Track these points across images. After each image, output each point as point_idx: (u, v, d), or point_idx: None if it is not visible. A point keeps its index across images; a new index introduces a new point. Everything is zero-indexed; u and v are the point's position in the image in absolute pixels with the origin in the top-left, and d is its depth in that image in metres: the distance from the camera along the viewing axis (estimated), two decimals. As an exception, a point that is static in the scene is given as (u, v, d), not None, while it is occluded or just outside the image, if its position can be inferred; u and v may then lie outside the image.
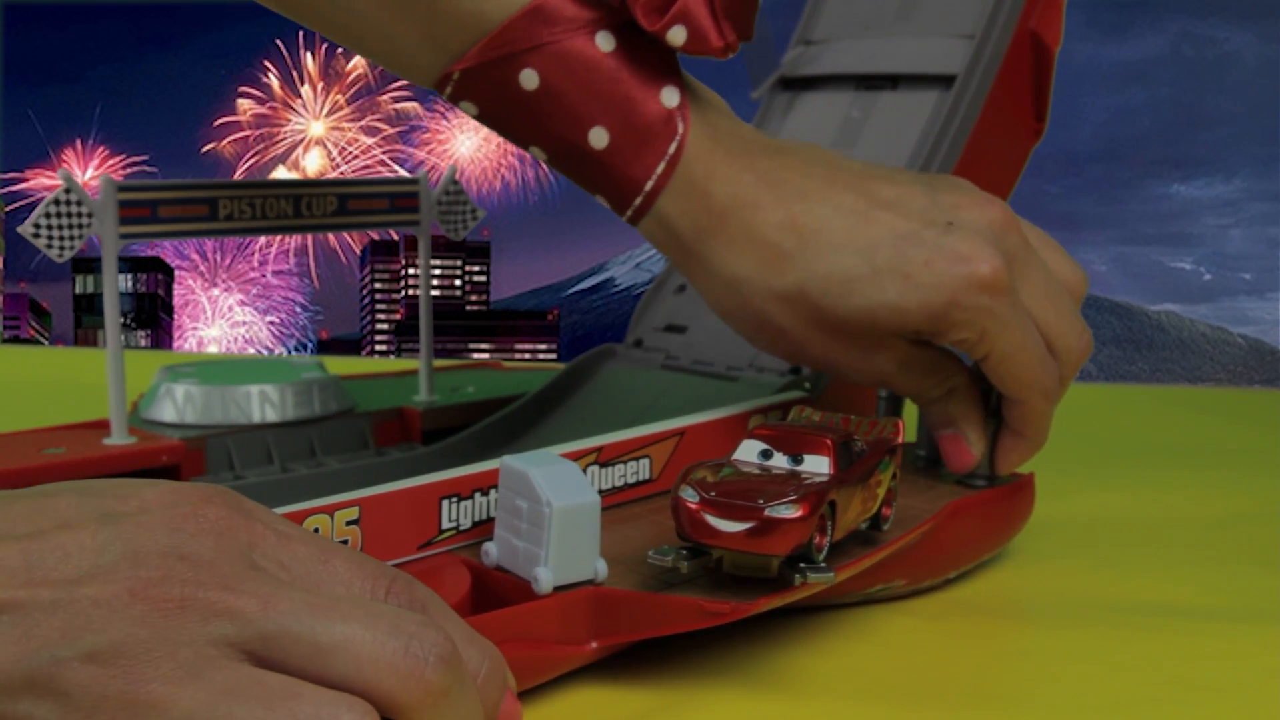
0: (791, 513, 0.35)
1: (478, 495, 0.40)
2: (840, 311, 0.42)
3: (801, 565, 0.36)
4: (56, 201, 0.48)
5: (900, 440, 0.42)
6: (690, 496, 0.36)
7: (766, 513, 0.35)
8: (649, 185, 0.43)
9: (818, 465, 0.38)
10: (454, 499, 0.39)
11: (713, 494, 0.36)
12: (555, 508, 0.35)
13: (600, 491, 0.43)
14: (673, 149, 0.43)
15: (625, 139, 0.43)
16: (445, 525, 0.39)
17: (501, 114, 0.44)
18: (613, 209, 0.45)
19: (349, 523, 0.37)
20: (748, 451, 0.39)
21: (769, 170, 0.43)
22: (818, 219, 0.42)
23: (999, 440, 0.46)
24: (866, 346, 0.44)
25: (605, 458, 0.43)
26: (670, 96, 0.43)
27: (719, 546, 0.36)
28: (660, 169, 0.43)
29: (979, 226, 0.42)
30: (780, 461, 0.38)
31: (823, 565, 0.36)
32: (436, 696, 0.27)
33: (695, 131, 0.43)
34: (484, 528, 0.40)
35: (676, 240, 0.44)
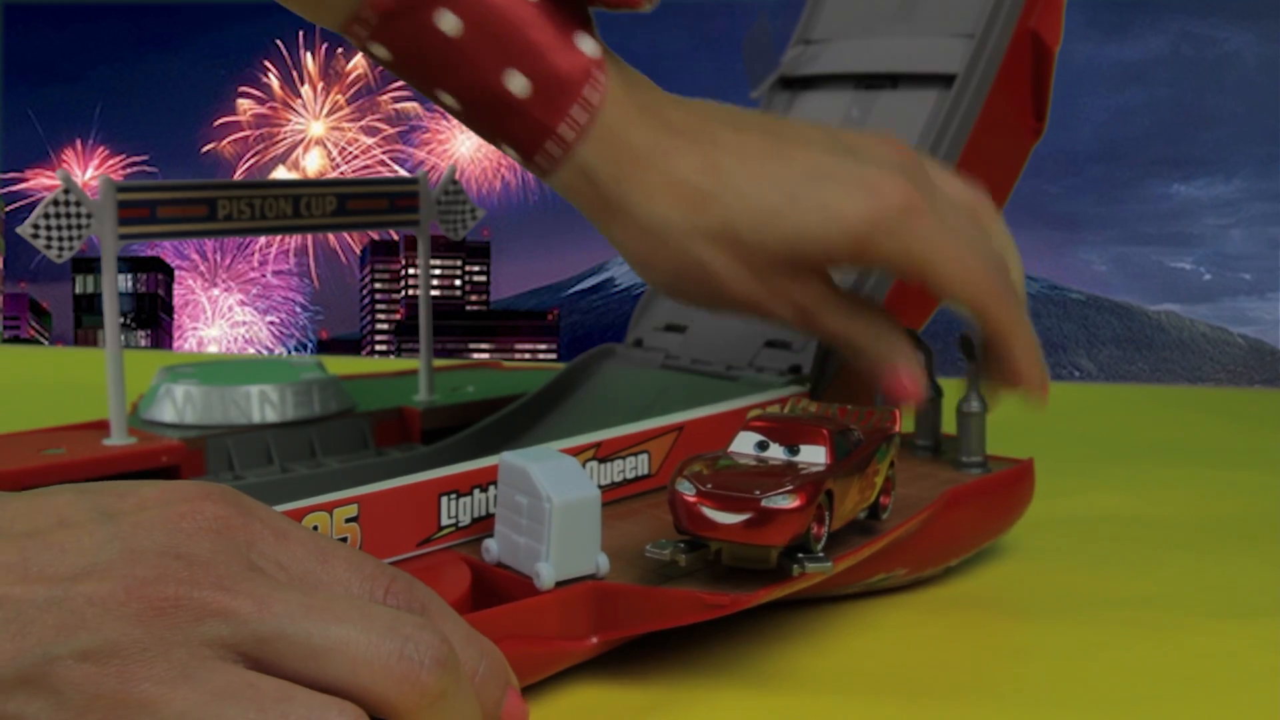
0: (788, 503, 0.35)
1: (477, 491, 0.40)
2: (767, 244, 0.43)
3: (800, 556, 0.36)
4: (55, 202, 0.48)
5: (897, 429, 0.42)
6: (687, 489, 0.36)
7: (763, 504, 0.35)
8: (569, 133, 0.43)
9: (814, 455, 0.38)
10: (453, 495, 0.39)
11: (709, 486, 0.36)
12: (556, 502, 0.35)
13: (600, 487, 0.43)
14: (595, 98, 0.43)
15: (545, 86, 0.42)
16: (445, 522, 0.39)
17: (415, 59, 0.43)
18: (521, 160, 0.44)
19: (348, 520, 0.37)
20: (744, 443, 0.39)
21: (680, 120, 0.44)
22: (733, 160, 0.43)
23: (1003, 368, 0.46)
24: (790, 280, 0.44)
25: (604, 453, 0.43)
26: (589, 46, 0.43)
27: (717, 539, 0.36)
28: (582, 117, 0.43)
29: (885, 158, 0.43)
30: (776, 452, 0.38)
31: (820, 555, 0.36)
32: (432, 699, 0.27)
33: (613, 81, 0.43)
34: (484, 524, 0.40)
35: (596, 190, 0.44)
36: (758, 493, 0.35)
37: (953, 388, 0.51)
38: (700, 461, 0.37)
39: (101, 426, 0.53)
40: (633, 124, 0.43)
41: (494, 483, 0.40)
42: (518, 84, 0.42)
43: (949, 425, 0.50)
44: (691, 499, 0.36)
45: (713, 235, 0.43)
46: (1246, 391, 0.98)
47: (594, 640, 0.36)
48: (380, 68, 0.45)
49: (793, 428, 0.39)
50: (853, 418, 0.42)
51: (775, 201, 0.43)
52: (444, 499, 0.39)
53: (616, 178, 0.43)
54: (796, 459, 0.38)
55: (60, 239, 0.48)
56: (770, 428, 0.39)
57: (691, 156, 0.43)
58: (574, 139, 0.43)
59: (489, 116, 0.43)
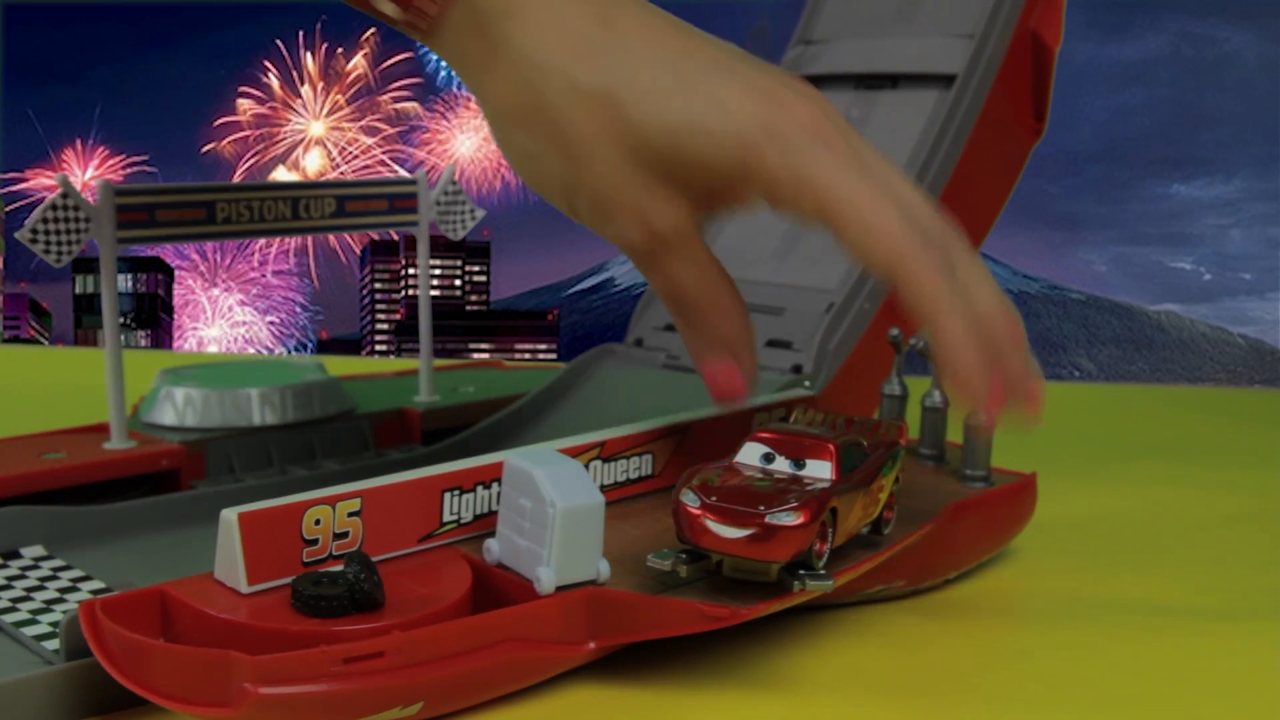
0: (792, 520, 0.35)
1: (480, 489, 0.40)
2: (645, 124, 0.37)
3: (801, 572, 0.36)
4: (54, 206, 0.48)
5: (904, 443, 0.42)
6: (691, 501, 0.36)
7: (767, 519, 0.35)
8: None
9: (820, 470, 0.37)
10: (456, 492, 0.39)
11: (714, 499, 0.36)
12: (559, 508, 0.35)
13: (601, 487, 0.43)
14: None
15: None
16: (447, 518, 0.39)
17: None
18: (401, 14, 0.39)
19: (351, 514, 0.37)
20: (750, 455, 0.39)
21: None
22: (633, 24, 0.39)
23: (936, 357, 0.37)
24: (655, 190, 0.38)
25: (608, 453, 0.43)
26: None
27: (720, 552, 0.36)
28: None
29: (801, 86, 0.39)
30: (782, 466, 0.38)
31: (822, 572, 0.36)
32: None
33: None
34: (485, 521, 0.40)
35: (483, 27, 0.39)
36: (762, 508, 0.35)
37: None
38: (706, 472, 0.37)
39: (102, 430, 0.53)
40: None
41: (497, 480, 0.40)
42: None
43: (954, 434, 0.50)
44: (695, 511, 0.35)
45: (593, 97, 0.38)
46: (1246, 391, 0.98)
47: (592, 646, 0.36)
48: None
49: (799, 441, 0.38)
50: (859, 430, 0.42)
51: (666, 80, 0.38)
52: (447, 495, 0.39)
53: (505, 13, 0.38)
54: (802, 473, 0.38)
55: (59, 243, 0.48)
56: (777, 440, 0.39)
57: (589, 5, 0.39)
58: None
59: None
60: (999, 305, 0.38)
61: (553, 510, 0.35)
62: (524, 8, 0.38)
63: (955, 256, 0.38)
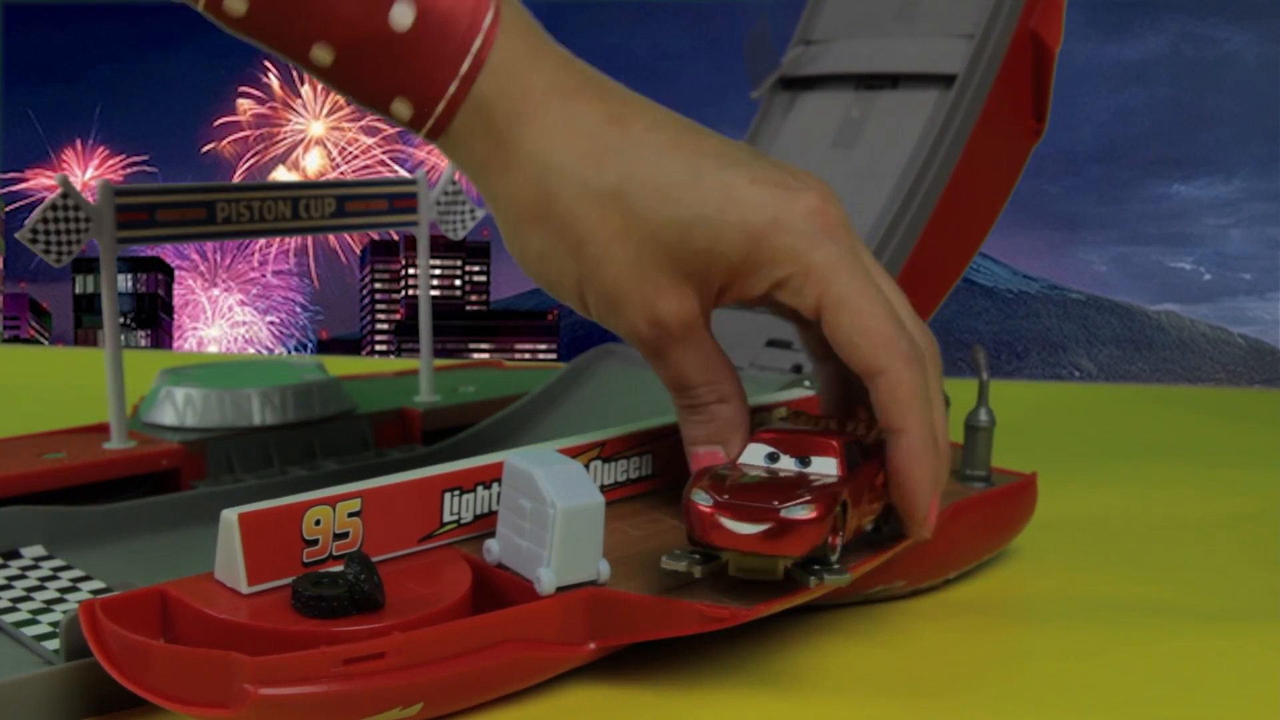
0: (807, 514, 0.35)
1: (480, 489, 0.40)
2: (655, 220, 0.38)
3: (816, 567, 0.36)
4: (54, 207, 0.48)
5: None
6: (703, 500, 0.36)
7: (782, 514, 0.35)
8: (464, 67, 0.38)
9: (826, 467, 0.37)
10: (456, 492, 0.39)
11: (726, 497, 0.35)
12: (560, 509, 0.35)
13: (601, 486, 0.43)
14: (488, 20, 0.38)
15: (433, 14, 0.38)
16: (447, 518, 0.39)
17: (284, 3, 0.38)
18: (410, 118, 0.39)
19: (351, 514, 0.37)
20: (754, 455, 0.39)
21: (586, 68, 0.40)
22: (644, 124, 0.39)
23: (893, 463, 0.39)
24: (665, 285, 0.39)
25: (608, 453, 0.43)
26: None
27: (734, 549, 0.35)
28: (477, 44, 0.38)
29: (808, 178, 0.40)
30: (788, 464, 0.38)
31: (837, 566, 0.36)
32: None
33: (509, 8, 0.39)
34: (486, 521, 0.40)
35: (490, 132, 0.39)
36: (776, 503, 0.35)
37: (961, 396, 0.51)
38: (713, 473, 0.37)
39: (102, 430, 0.53)
40: (537, 57, 0.39)
41: (497, 480, 0.40)
42: (403, 15, 0.37)
43: (955, 434, 0.50)
44: (708, 510, 0.35)
45: (605, 195, 0.38)
46: (1246, 391, 0.98)
47: (592, 646, 0.36)
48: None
49: (803, 439, 0.38)
50: (855, 428, 0.42)
51: (678, 175, 0.38)
52: (447, 495, 0.39)
53: (514, 114, 0.39)
54: (808, 470, 0.38)
55: (59, 244, 0.48)
56: (780, 439, 0.39)
57: (598, 105, 0.39)
58: (471, 72, 0.38)
59: (373, 65, 0.38)
60: (946, 428, 0.41)
61: (553, 511, 0.35)
62: (534, 110, 0.39)
63: (930, 373, 0.40)
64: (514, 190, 0.39)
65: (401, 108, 0.39)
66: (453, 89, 0.38)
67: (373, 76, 0.38)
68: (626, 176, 0.38)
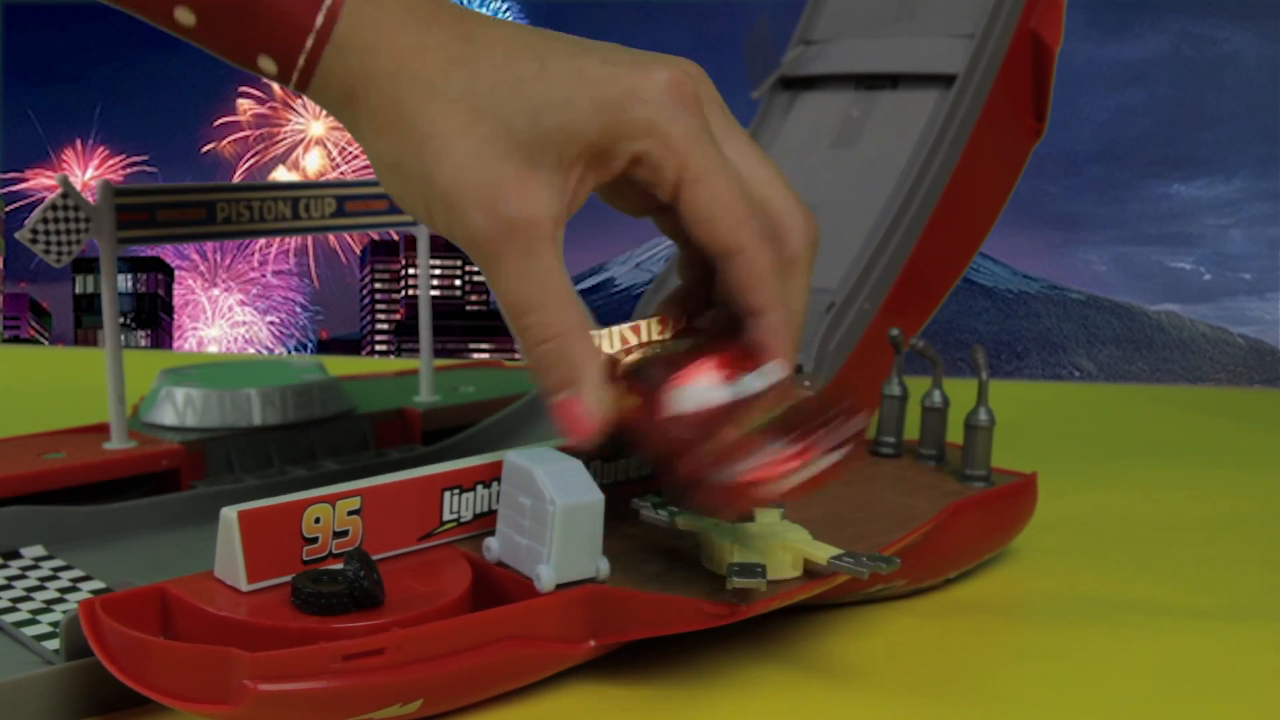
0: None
1: (479, 488, 0.40)
2: (504, 111, 0.37)
3: (861, 557, 0.36)
4: (54, 206, 0.48)
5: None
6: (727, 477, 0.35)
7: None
8: (319, 19, 0.38)
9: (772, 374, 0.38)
10: (455, 491, 0.39)
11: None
12: (559, 506, 0.35)
13: (602, 486, 0.43)
14: None
15: None
16: (447, 517, 0.39)
17: None
18: (278, 70, 0.39)
19: (350, 513, 0.37)
20: (699, 397, 0.37)
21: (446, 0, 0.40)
22: (494, 35, 0.39)
23: (756, 343, 0.39)
24: (506, 176, 0.37)
25: (608, 453, 0.43)
26: None
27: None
28: None
29: (666, 57, 0.39)
30: (750, 384, 0.37)
31: (860, 557, 0.36)
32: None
33: None
34: (485, 520, 0.40)
35: (348, 66, 0.38)
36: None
37: (961, 396, 0.51)
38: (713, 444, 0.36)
39: (102, 430, 0.53)
40: None
41: (497, 479, 0.40)
42: None
43: (954, 434, 0.50)
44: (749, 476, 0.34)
45: (451, 96, 0.37)
46: (1246, 391, 0.98)
47: (592, 644, 0.36)
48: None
49: (730, 355, 0.38)
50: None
51: (526, 68, 0.37)
52: (447, 494, 0.39)
53: (370, 49, 0.38)
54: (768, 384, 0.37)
55: (59, 243, 0.48)
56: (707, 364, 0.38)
57: (449, 26, 0.38)
58: (325, 26, 0.38)
59: (233, 22, 0.38)
60: (804, 309, 0.40)
61: (553, 508, 0.35)
62: (388, 40, 0.38)
63: (804, 254, 0.40)
64: (369, 112, 0.38)
65: (267, 63, 0.39)
66: (310, 42, 0.38)
67: (235, 35, 0.38)
68: (473, 77, 0.37)
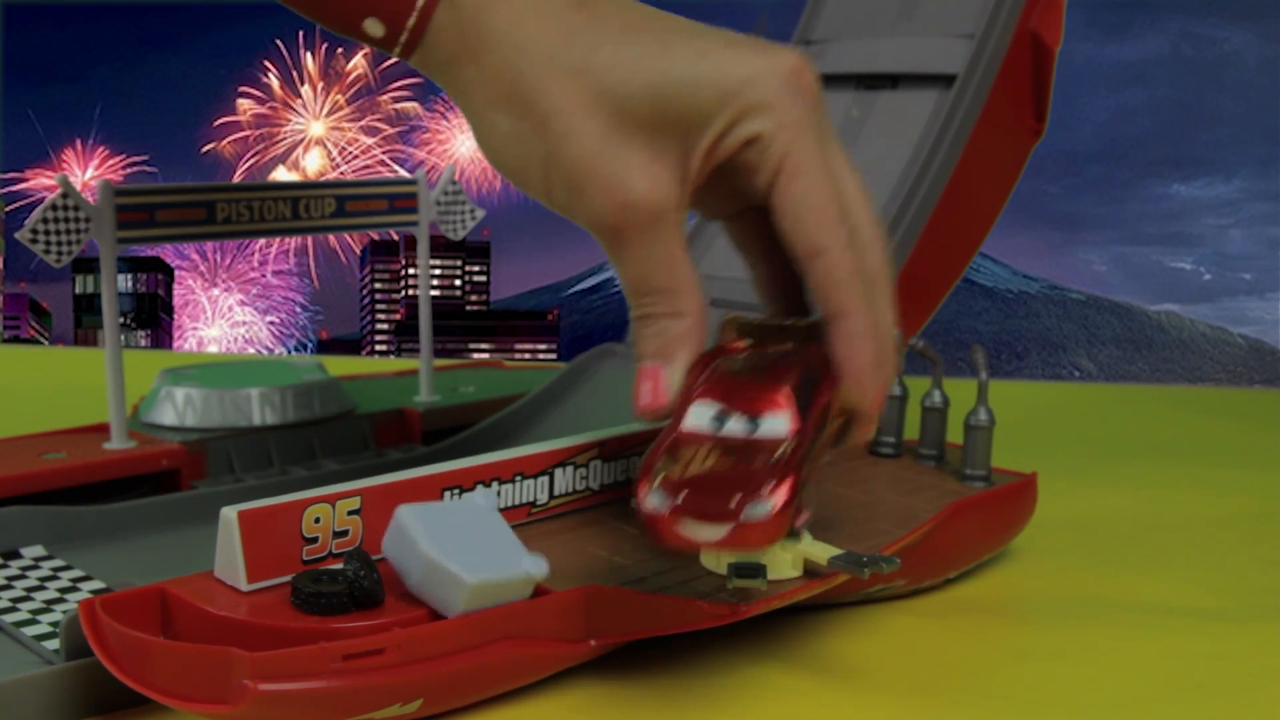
0: (768, 512, 0.33)
1: (479, 488, 0.40)
2: (625, 87, 0.37)
3: (864, 557, 0.36)
4: (54, 206, 0.48)
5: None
6: (658, 504, 0.33)
7: (742, 519, 0.32)
8: None
9: (777, 426, 0.35)
10: (455, 491, 0.39)
11: (682, 496, 0.33)
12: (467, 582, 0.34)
13: (602, 486, 0.43)
14: None
15: None
16: None
17: None
18: (385, 33, 0.38)
19: (350, 512, 0.37)
20: (700, 417, 0.36)
21: None
22: (607, 6, 0.38)
23: (836, 351, 0.37)
24: (631, 160, 0.37)
25: (608, 453, 0.43)
26: None
27: (692, 551, 0.34)
28: None
29: (780, 46, 0.38)
30: (737, 426, 0.35)
31: (860, 557, 0.36)
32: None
33: None
34: None
35: (460, 23, 0.38)
36: (735, 501, 0.33)
37: (961, 396, 0.51)
38: (661, 463, 0.34)
39: (102, 430, 0.53)
40: None
41: (497, 479, 0.40)
42: None
43: (954, 434, 0.50)
44: (664, 515, 0.33)
45: (573, 69, 0.37)
46: (1246, 391, 0.98)
47: (592, 643, 0.36)
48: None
49: (751, 392, 0.35)
50: (787, 334, 0.39)
51: (647, 47, 0.37)
52: (446, 494, 0.39)
53: (483, 5, 0.37)
54: (759, 435, 0.35)
55: (59, 243, 0.48)
56: (727, 392, 0.36)
57: None
58: None
59: None
60: (891, 321, 0.39)
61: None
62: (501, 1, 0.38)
63: (878, 268, 0.39)
64: (482, 75, 0.38)
65: (374, 26, 0.38)
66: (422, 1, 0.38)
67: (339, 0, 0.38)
68: (594, 50, 0.37)
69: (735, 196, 0.40)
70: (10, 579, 0.42)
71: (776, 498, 0.33)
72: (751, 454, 0.34)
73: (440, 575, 0.34)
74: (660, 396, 0.38)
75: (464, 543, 0.34)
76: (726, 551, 0.34)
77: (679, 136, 0.37)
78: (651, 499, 0.33)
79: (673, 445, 0.35)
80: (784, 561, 0.37)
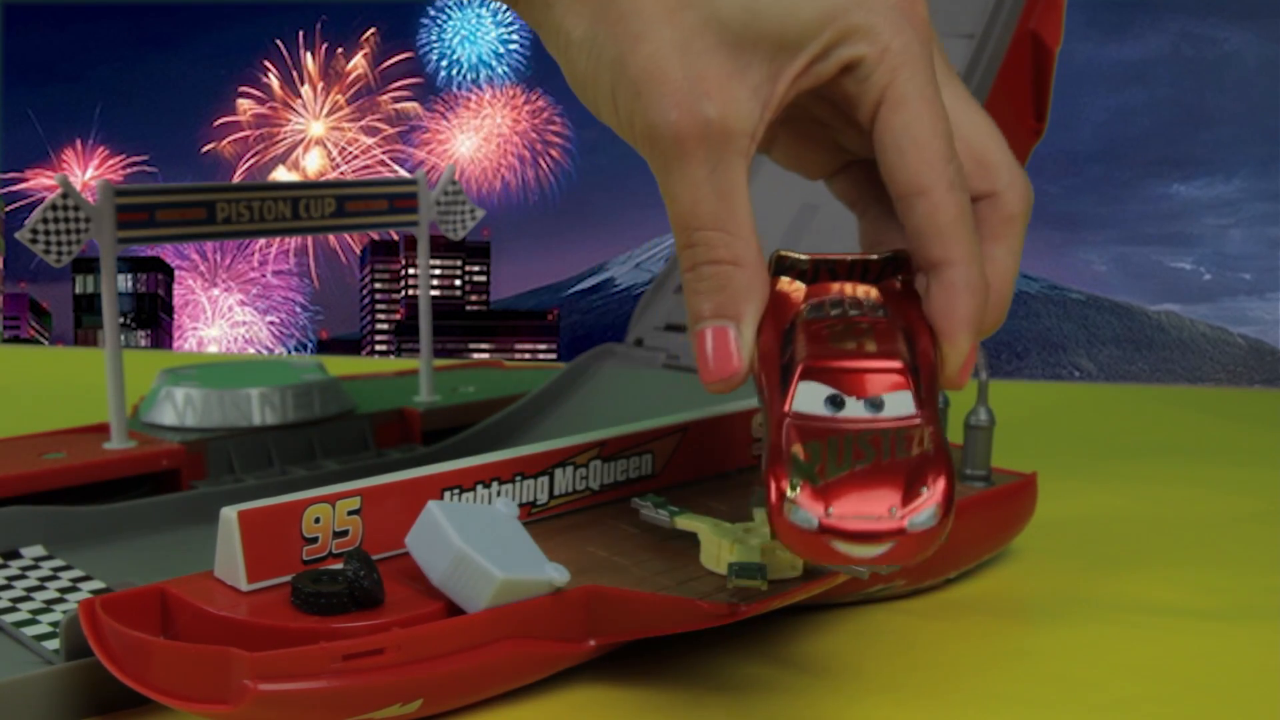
0: (933, 519, 0.29)
1: (479, 488, 0.40)
2: (727, 7, 0.33)
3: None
4: (54, 206, 0.48)
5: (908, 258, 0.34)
6: (806, 521, 0.29)
7: (907, 528, 0.29)
8: None
9: (901, 405, 0.31)
10: (455, 490, 0.39)
11: (831, 510, 0.29)
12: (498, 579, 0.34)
13: (602, 486, 0.43)
14: None
15: None
16: None
17: None
18: None
19: (350, 512, 0.37)
20: (812, 400, 0.31)
21: None
22: None
23: (932, 303, 0.33)
24: (709, 72, 0.32)
25: (608, 453, 0.43)
26: None
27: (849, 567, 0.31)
28: None
29: None
30: (856, 409, 0.31)
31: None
32: None
33: None
34: None
35: None
36: (897, 511, 0.29)
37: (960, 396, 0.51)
38: (797, 463, 0.29)
39: (102, 430, 0.53)
40: None
41: (497, 479, 0.40)
42: None
43: (954, 434, 0.50)
44: (813, 534, 0.29)
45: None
46: (1246, 391, 0.98)
47: (592, 643, 0.36)
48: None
49: (863, 370, 0.31)
50: (856, 275, 0.34)
51: None
52: (446, 494, 0.39)
53: None
54: (884, 415, 0.30)
55: (59, 243, 0.48)
56: (837, 374, 0.31)
57: None
58: None
59: None
60: (1007, 277, 0.35)
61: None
62: None
63: (1018, 217, 0.35)
64: (574, 3, 0.34)
65: None
66: None
67: None
68: None
69: (835, 149, 0.37)
70: (10, 579, 0.42)
71: (938, 500, 0.29)
72: (889, 446, 0.30)
73: (470, 569, 0.34)
74: (732, 363, 0.33)
75: (492, 542, 0.35)
76: (885, 565, 0.30)
77: (768, 55, 0.33)
78: (798, 514, 0.29)
79: (799, 437, 0.30)
80: (784, 562, 0.37)
